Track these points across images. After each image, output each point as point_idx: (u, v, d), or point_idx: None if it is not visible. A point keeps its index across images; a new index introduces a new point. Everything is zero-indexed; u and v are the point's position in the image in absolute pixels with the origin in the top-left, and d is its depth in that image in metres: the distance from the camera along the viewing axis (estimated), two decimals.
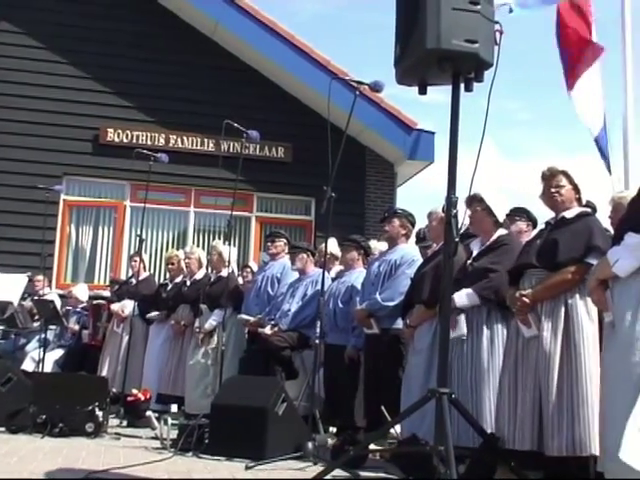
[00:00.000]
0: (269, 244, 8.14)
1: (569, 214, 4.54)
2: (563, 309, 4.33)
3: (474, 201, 5.12)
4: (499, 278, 4.86)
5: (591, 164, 8.15)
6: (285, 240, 8.09)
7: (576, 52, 8.25)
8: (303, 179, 11.50)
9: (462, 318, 4.96)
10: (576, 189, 4.58)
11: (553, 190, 4.58)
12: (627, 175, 7.95)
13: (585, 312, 4.29)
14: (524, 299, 4.41)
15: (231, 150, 11.52)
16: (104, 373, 8.64)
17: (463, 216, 3.96)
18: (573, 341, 4.24)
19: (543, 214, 4.87)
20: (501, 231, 5.21)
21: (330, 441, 5.93)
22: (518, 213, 6.02)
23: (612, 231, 4.28)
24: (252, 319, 7.58)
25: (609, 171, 8.10)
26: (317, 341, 5.54)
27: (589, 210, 4.67)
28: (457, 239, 3.81)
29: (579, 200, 4.61)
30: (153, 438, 6.16)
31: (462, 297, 4.96)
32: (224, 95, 11.77)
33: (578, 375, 4.18)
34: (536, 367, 4.31)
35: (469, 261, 5.22)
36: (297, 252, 7.58)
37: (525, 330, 4.43)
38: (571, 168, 4.59)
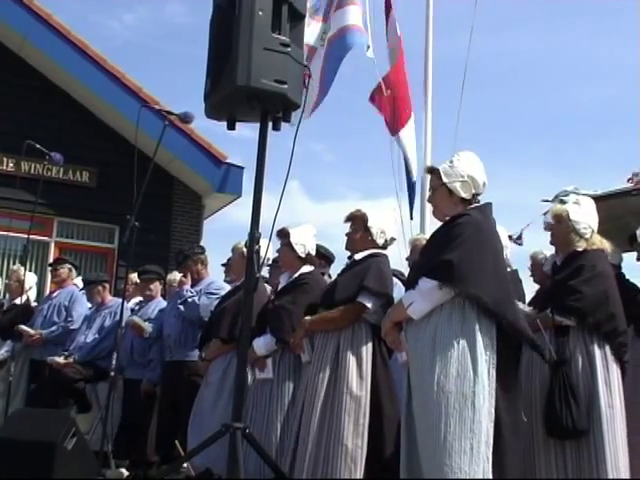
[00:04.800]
0: (53, 272, 7.74)
1: (359, 256, 4.68)
2: (334, 347, 4.45)
3: (281, 235, 5.18)
4: (295, 318, 4.89)
5: (392, 208, 8.49)
6: (70, 265, 7.70)
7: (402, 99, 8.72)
8: (107, 206, 11.17)
9: (269, 361, 4.99)
10: (368, 232, 4.68)
11: (347, 234, 4.75)
12: (423, 219, 8.42)
13: (353, 357, 4.39)
14: (303, 322, 4.60)
15: (32, 171, 11.01)
16: None
17: (266, 252, 4.00)
18: (339, 380, 4.35)
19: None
20: (306, 268, 5.20)
21: (122, 476, 5.78)
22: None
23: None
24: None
25: (411, 217, 8.58)
26: (112, 373, 5.41)
27: (380, 252, 4.71)
28: (258, 275, 3.86)
29: (373, 242, 4.70)
30: None
31: (260, 347, 5.01)
32: (28, 114, 11.20)
33: (339, 414, 4.28)
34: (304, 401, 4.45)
35: (272, 298, 5.28)
36: (93, 287, 7.29)
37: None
38: (369, 212, 4.72)
